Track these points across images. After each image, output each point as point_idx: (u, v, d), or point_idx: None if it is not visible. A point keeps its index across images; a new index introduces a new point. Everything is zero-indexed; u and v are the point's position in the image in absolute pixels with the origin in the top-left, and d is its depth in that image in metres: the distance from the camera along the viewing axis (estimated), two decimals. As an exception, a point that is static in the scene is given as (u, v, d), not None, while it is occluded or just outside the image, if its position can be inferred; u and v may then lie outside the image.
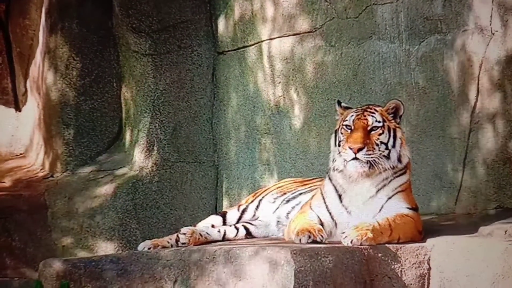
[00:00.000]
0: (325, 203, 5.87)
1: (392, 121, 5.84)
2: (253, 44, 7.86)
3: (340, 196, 5.84)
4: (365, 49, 7.27)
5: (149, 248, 6.05)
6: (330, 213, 5.83)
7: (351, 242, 5.45)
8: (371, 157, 5.70)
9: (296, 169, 7.57)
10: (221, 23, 8.09)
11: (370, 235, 5.48)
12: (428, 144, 6.96)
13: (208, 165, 8.16)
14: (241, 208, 6.51)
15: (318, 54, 7.49)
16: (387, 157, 5.77)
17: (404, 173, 5.86)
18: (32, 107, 9.01)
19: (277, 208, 6.33)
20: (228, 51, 8.07)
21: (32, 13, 9.07)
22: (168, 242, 6.13)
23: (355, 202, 5.80)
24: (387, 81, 7.16)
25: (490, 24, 6.72)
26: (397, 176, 5.82)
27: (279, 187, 6.58)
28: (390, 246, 5.53)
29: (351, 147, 5.70)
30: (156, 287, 5.57)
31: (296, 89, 7.61)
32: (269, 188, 6.64)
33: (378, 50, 7.20)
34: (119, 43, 8.29)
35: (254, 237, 6.30)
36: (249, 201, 6.55)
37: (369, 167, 5.71)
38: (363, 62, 7.28)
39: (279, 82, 7.71)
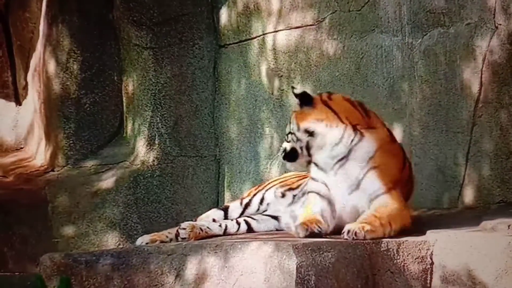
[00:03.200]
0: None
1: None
2: (255, 37, 7.83)
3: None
4: (367, 42, 7.25)
5: (146, 243, 6.03)
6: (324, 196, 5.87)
7: (355, 234, 5.47)
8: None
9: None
10: (222, 16, 8.07)
11: (369, 228, 5.50)
12: (431, 138, 6.94)
13: (209, 159, 8.14)
14: (244, 202, 6.49)
15: (321, 47, 7.46)
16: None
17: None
18: (33, 101, 9.00)
19: (291, 202, 6.30)
20: (230, 44, 8.04)
21: (33, 5, 9.06)
22: (167, 237, 6.11)
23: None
24: (389, 74, 7.15)
25: (494, 17, 6.70)
26: None
27: (282, 181, 6.56)
28: (393, 240, 5.52)
29: None
30: (158, 281, 5.56)
31: (299, 82, 7.59)
32: (272, 182, 6.62)
33: (381, 43, 7.18)
34: (120, 36, 8.26)
35: (256, 232, 6.28)
36: (252, 194, 6.52)
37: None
38: (365, 55, 7.26)
39: (281, 76, 7.69)
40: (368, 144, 5.79)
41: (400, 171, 5.90)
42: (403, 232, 5.69)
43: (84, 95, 8.35)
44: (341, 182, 5.79)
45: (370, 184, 5.73)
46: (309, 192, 5.92)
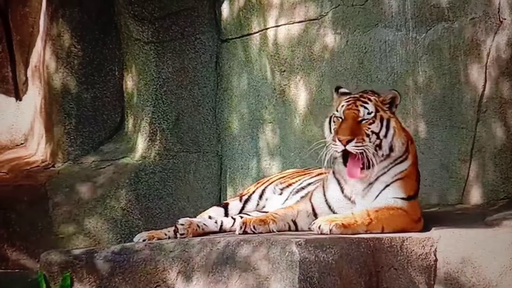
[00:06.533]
0: (324, 195, 5.84)
1: (387, 111, 5.77)
2: (257, 32, 7.81)
3: (341, 188, 5.79)
4: (371, 37, 7.23)
5: (144, 240, 6.01)
6: (329, 206, 5.80)
7: (319, 228, 5.46)
8: (360, 149, 5.62)
9: (301, 159, 7.52)
10: (224, 10, 8.04)
11: (339, 222, 5.47)
12: (435, 134, 6.93)
13: (211, 155, 8.12)
14: (244, 198, 6.47)
15: (324, 42, 7.44)
16: (379, 146, 5.69)
17: (405, 160, 5.79)
18: (33, 96, 8.98)
19: (286, 199, 6.29)
20: (232, 38, 8.01)
21: (33, 0, 9.03)
22: (166, 234, 6.09)
23: (356, 190, 5.76)
24: (393, 69, 7.13)
25: (498, 12, 6.69)
26: (397, 164, 5.76)
27: (282, 177, 6.54)
28: (396, 237, 5.52)
29: (340, 139, 5.63)
30: (159, 278, 5.54)
31: (301, 77, 7.56)
32: (271, 178, 6.61)
33: (385, 38, 7.17)
34: (121, 30, 8.24)
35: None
36: (251, 191, 6.50)
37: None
38: (369, 50, 7.24)
39: (284, 71, 7.66)
40: (406, 163, 5.77)
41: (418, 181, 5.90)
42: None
43: (84, 90, 8.32)
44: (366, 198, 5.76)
45: (393, 191, 5.70)
46: (311, 200, 5.90)
